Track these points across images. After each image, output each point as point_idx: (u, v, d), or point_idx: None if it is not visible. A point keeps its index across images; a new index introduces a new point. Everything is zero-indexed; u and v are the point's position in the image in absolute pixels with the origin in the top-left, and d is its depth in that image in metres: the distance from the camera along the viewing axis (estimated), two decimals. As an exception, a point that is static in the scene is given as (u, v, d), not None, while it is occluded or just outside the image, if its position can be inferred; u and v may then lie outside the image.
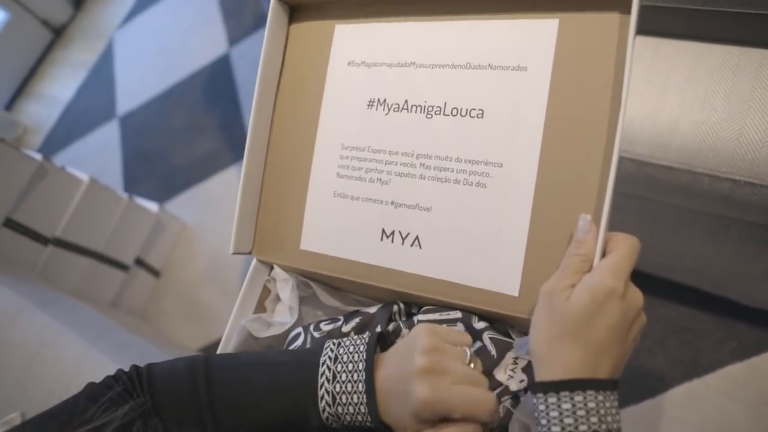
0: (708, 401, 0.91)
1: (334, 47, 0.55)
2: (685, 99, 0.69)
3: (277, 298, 0.57)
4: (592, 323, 0.36)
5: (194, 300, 1.47)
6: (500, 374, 0.44)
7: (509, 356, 0.45)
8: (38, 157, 1.18)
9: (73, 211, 1.26)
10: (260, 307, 0.57)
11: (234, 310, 0.55)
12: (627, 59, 0.41)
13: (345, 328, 0.50)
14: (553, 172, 0.45)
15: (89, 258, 1.32)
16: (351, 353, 0.42)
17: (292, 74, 0.57)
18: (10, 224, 1.15)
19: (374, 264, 0.51)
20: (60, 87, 2.16)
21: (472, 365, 0.42)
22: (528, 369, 0.44)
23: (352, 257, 0.52)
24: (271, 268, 0.58)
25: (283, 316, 0.55)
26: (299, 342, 0.52)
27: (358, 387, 0.40)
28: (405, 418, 0.39)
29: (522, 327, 0.47)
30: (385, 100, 0.52)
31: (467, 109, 0.49)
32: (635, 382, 0.96)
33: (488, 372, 0.45)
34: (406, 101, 0.51)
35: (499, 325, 0.48)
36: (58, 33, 2.31)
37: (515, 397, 0.43)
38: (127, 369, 0.44)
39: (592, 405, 0.35)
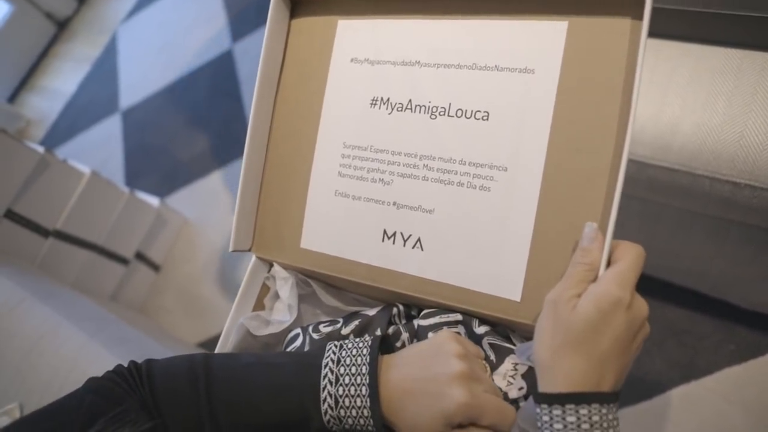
0: (705, 404, 0.92)
1: (336, 43, 0.54)
2: (686, 101, 0.69)
3: (276, 296, 0.57)
4: (597, 334, 0.36)
5: (194, 295, 1.47)
6: (499, 381, 0.44)
7: (508, 362, 0.45)
8: (40, 149, 1.19)
9: (74, 204, 1.26)
10: (259, 305, 0.57)
11: (233, 308, 0.54)
12: (638, 65, 0.40)
13: (344, 331, 0.50)
14: (558, 177, 0.44)
15: (89, 251, 1.32)
16: (354, 356, 0.41)
17: (293, 70, 0.57)
18: (12, 216, 1.15)
19: (375, 265, 0.51)
20: (63, 80, 2.16)
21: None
22: (527, 376, 0.44)
23: (353, 257, 0.52)
24: (271, 265, 0.57)
25: (281, 314, 0.55)
26: (298, 343, 0.52)
27: (361, 390, 0.40)
28: (428, 419, 0.39)
29: (523, 332, 0.47)
30: (388, 99, 0.51)
31: (472, 111, 0.48)
32: (632, 383, 0.96)
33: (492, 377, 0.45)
34: (410, 101, 0.51)
35: (499, 329, 0.48)
36: (61, 26, 2.31)
37: (514, 402, 0.43)
38: (126, 363, 0.44)
39: (596, 418, 0.35)
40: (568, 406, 0.35)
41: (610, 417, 0.35)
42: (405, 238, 0.50)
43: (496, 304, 0.45)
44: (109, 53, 2.12)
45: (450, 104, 0.49)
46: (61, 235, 1.26)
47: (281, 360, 0.44)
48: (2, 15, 2.13)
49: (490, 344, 0.46)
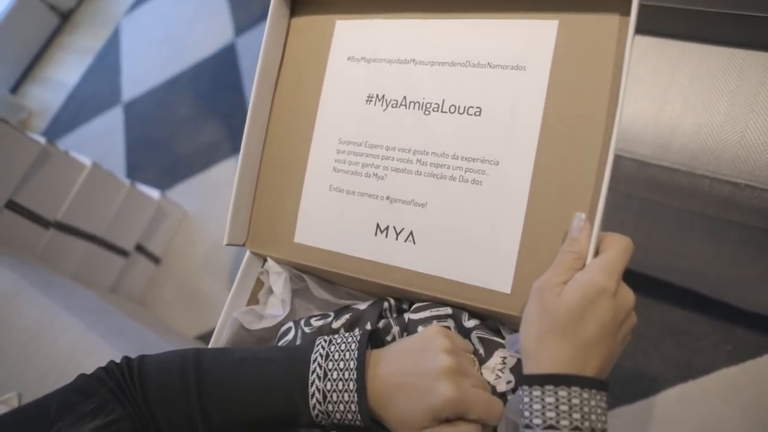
0: (702, 404, 0.92)
1: (334, 42, 0.56)
2: (688, 100, 0.69)
3: (270, 291, 0.57)
4: (582, 320, 0.36)
5: (193, 288, 1.48)
6: (488, 374, 0.45)
7: (497, 356, 0.45)
8: (42, 140, 1.19)
9: (75, 195, 1.27)
10: (253, 299, 0.57)
11: (227, 302, 0.55)
12: (625, 61, 0.41)
13: (335, 324, 0.50)
14: (548, 171, 0.45)
15: (90, 242, 1.33)
16: (342, 351, 0.42)
17: (291, 68, 0.58)
18: (13, 206, 1.15)
19: (368, 259, 0.51)
20: (65, 72, 2.16)
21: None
22: (515, 369, 0.44)
23: (346, 251, 0.53)
24: (265, 260, 0.58)
25: (275, 308, 0.56)
26: (290, 337, 0.52)
27: (349, 386, 0.40)
28: (415, 413, 0.40)
29: (513, 324, 0.47)
30: (383, 96, 0.52)
31: (465, 107, 0.49)
32: (629, 382, 0.96)
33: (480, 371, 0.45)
34: (405, 97, 0.51)
35: (489, 322, 0.48)
36: (64, 18, 2.31)
37: (502, 396, 0.44)
38: (125, 353, 0.44)
39: (576, 401, 0.35)
40: (547, 387, 0.35)
41: (593, 403, 0.35)
42: (398, 232, 0.50)
43: (487, 296, 0.46)
44: (112, 45, 2.11)
45: (443, 100, 0.50)
46: (62, 227, 1.26)
47: (271, 355, 0.44)
48: (5, 6, 2.13)
49: (479, 338, 0.46)
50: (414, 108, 0.51)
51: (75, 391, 0.41)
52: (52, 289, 1.00)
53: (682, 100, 0.69)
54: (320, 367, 0.41)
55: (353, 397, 0.40)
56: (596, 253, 0.40)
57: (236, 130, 1.64)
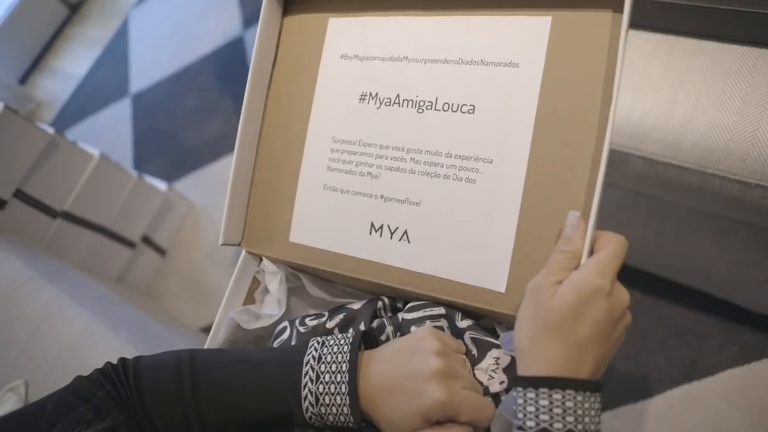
0: (706, 404, 0.91)
1: (327, 40, 0.56)
2: (699, 98, 0.68)
3: (266, 290, 0.58)
4: (576, 320, 0.36)
5: (198, 280, 1.48)
6: (481, 375, 0.45)
7: (490, 356, 0.45)
8: (50, 130, 1.19)
9: (82, 186, 1.27)
10: (249, 299, 0.58)
11: (223, 301, 0.55)
12: (619, 58, 0.41)
13: (329, 324, 0.50)
14: (542, 168, 0.45)
15: (97, 233, 1.33)
16: (335, 353, 0.42)
17: (285, 67, 0.58)
18: (21, 196, 1.16)
19: (362, 257, 0.51)
20: (74, 63, 2.17)
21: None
22: (509, 369, 0.45)
23: (341, 250, 0.53)
24: (261, 260, 0.58)
25: (271, 308, 0.56)
26: (285, 336, 0.53)
27: (341, 389, 0.40)
28: (405, 416, 0.40)
29: (508, 323, 0.47)
30: (377, 94, 0.52)
31: (458, 105, 0.49)
32: (633, 381, 0.96)
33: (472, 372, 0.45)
34: (398, 95, 0.51)
35: (483, 322, 0.48)
36: (74, 9, 2.31)
37: (495, 397, 0.44)
38: (130, 344, 0.44)
39: (569, 404, 0.35)
40: (541, 390, 0.35)
41: (586, 405, 0.35)
42: (392, 231, 0.50)
43: (482, 295, 0.46)
44: (121, 37, 2.12)
45: (437, 98, 0.50)
46: (69, 217, 1.26)
47: (265, 356, 0.44)
48: (15, -4, 2.14)
49: (472, 338, 0.46)
50: (407, 106, 0.51)
51: (73, 393, 0.41)
52: (58, 278, 1.00)
53: (694, 98, 0.68)
54: (312, 369, 0.41)
55: (345, 400, 0.40)
56: (591, 252, 0.39)
57: (243, 123, 1.64)
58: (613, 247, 0.38)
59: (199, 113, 1.76)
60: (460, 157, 0.48)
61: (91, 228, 1.32)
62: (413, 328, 0.47)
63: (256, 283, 0.58)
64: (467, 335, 0.46)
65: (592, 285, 0.36)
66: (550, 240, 0.43)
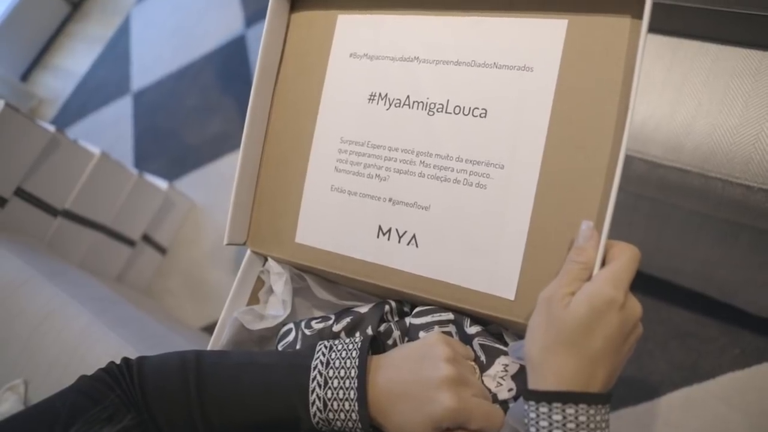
0: (707, 408, 0.91)
1: (336, 38, 0.54)
2: (702, 101, 0.68)
3: (271, 290, 0.57)
4: (589, 333, 0.36)
5: (199, 279, 1.48)
6: (489, 382, 0.44)
7: (499, 363, 0.45)
8: (51, 128, 1.19)
9: (83, 184, 1.27)
10: (254, 299, 0.57)
11: (227, 301, 0.54)
12: (637, 65, 0.40)
13: (336, 328, 0.50)
14: (555, 175, 0.44)
15: (97, 231, 1.33)
16: (343, 359, 0.42)
17: (292, 64, 0.56)
18: (21, 194, 1.15)
19: (369, 261, 0.51)
20: (75, 60, 2.17)
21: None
22: (517, 377, 0.44)
23: (348, 253, 0.52)
24: (266, 259, 0.57)
25: (276, 309, 0.55)
26: (290, 338, 0.52)
27: (350, 395, 0.40)
28: (415, 423, 0.39)
29: (516, 330, 0.47)
30: (386, 95, 0.51)
31: (470, 108, 0.48)
32: (633, 383, 0.96)
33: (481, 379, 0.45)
34: (408, 97, 0.50)
35: (492, 327, 0.48)
36: (75, 6, 2.31)
37: (504, 404, 0.43)
38: (130, 343, 0.44)
39: (582, 419, 0.35)
40: (554, 405, 0.35)
41: (598, 418, 0.35)
42: (400, 235, 0.50)
43: (490, 302, 0.45)
44: (122, 34, 2.11)
45: (448, 101, 0.49)
46: (70, 215, 1.26)
47: (272, 360, 0.44)
48: (17, -7, 2.13)
49: (480, 345, 0.46)
50: (417, 108, 0.50)
51: (82, 393, 0.41)
52: (59, 277, 1.00)
53: (696, 100, 0.68)
54: (321, 374, 0.41)
55: (354, 406, 0.40)
56: (603, 262, 0.39)
57: (245, 122, 1.63)
58: (626, 258, 0.38)
59: (200, 112, 1.76)
60: (470, 161, 0.47)
61: (92, 226, 1.32)
62: (421, 333, 0.47)
63: (260, 282, 0.58)
64: (476, 341, 0.46)
65: (605, 297, 0.36)
66: (561, 248, 0.43)
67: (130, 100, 1.93)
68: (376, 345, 0.46)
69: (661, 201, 0.77)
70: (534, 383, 0.37)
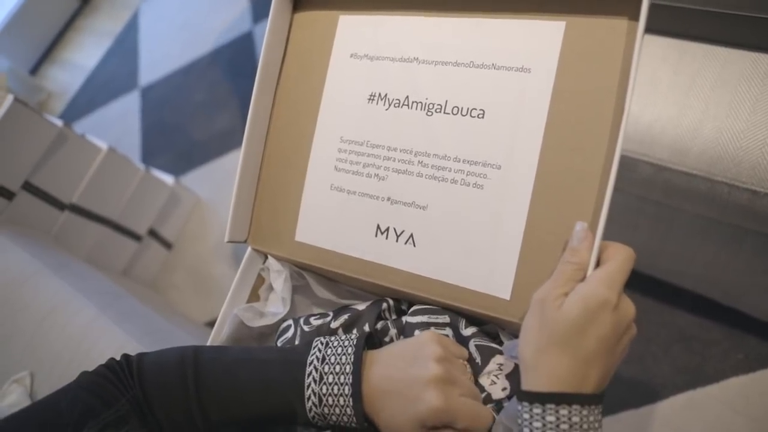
0: (709, 412, 0.91)
1: (337, 38, 0.55)
2: (709, 105, 0.67)
3: (271, 288, 0.58)
4: (583, 333, 0.36)
5: (204, 274, 1.49)
6: (484, 380, 0.45)
7: (493, 362, 0.45)
8: (59, 123, 1.20)
9: (90, 179, 1.28)
10: (254, 296, 0.58)
11: (227, 298, 0.55)
12: (633, 67, 0.40)
13: (334, 324, 0.50)
14: (551, 176, 0.44)
15: (104, 226, 1.34)
16: (339, 354, 0.42)
17: (294, 64, 0.57)
18: (29, 188, 1.16)
19: (368, 259, 0.51)
20: (84, 55, 2.18)
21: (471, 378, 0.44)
22: (512, 376, 0.44)
23: (346, 251, 0.52)
24: (266, 257, 0.58)
25: (275, 306, 0.56)
26: (289, 335, 0.53)
27: (344, 390, 0.41)
28: (403, 420, 0.40)
29: (512, 330, 0.47)
30: (386, 95, 0.52)
31: (468, 109, 0.48)
32: (636, 386, 0.96)
33: (473, 379, 0.45)
34: (407, 97, 0.51)
35: (488, 327, 0.48)
36: (85, 1, 2.32)
37: (498, 403, 0.44)
38: (135, 338, 0.45)
39: (576, 419, 0.35)
40: (548, 406, 0.35)
41: (591, 419, 0.35)
42: (398, 234, 0.50)
43: (486, 301, 0.46)
44: (131, 29, 2.12)
45: (446, 101, 0.49)
46: (77, 209, 1.27)
47: (269, 356, 0.44)
48: (27, -13, 2.14)
49: (476, 346, 0.46)
50: (416, 108, 0.50)
51: (92, 393, 0.41)
52: (65, 270, 1.01)
53: (704, 104, 0.68)
54: (316, 370, 0.42)
55: (348, 401, 0.40)
56: (598, 263, 0.39)
57: (251, 118, 1.64)
58: (620, 259, 0.38)
59: (207, 107, 1.76)
60: (468, 161, 0.48)
61: (98, 221, 1.33)
62: (417, 332, 0.47)
63: (260, 280, 0.58)
64: (472, 343, 0.46)
65: (599, 298, 0.36)
66: (557, 248, 0.43)
67: (138, 94, 1.94)
68: (372, 342, 0.46)
69: (666, 204, 0.76)
70: (527, 384, 0.37)
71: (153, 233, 1.49)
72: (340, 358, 0.42)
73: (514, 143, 0.46)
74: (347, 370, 0.41)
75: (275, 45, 0.56)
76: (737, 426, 0.88)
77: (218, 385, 0.43)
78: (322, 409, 0.41)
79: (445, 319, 0.48)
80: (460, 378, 0.42)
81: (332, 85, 0.55)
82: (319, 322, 0.52)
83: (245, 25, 1.83)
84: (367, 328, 0.49)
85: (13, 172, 1.13)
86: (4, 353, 0.93)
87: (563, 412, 0.35)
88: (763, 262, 0.77)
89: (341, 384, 0.41)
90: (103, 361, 0.45)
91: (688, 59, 0.70)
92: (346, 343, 0.43)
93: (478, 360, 0.45)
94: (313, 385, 0.41)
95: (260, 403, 0.42)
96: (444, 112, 0.49)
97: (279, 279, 0.56)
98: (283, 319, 0.55)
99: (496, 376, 0.45)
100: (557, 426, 0.35)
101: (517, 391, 0.38)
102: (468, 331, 0.47)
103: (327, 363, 0.42)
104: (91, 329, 0.92)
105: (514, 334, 0.47)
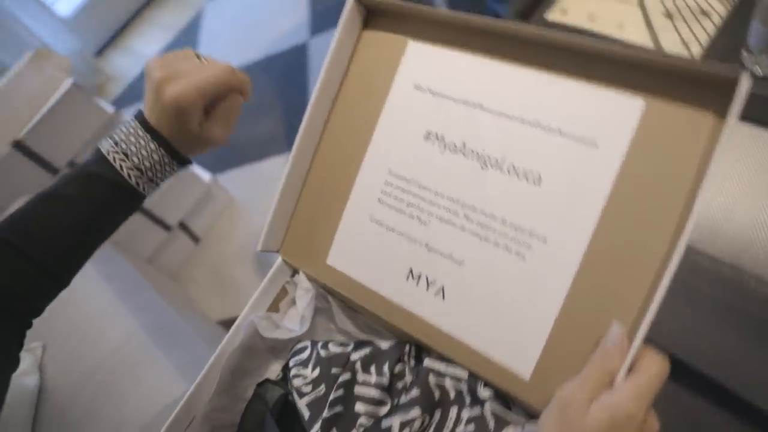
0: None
1: (402, 65, 0.53)
2: (746, 189, 0.65)
3: (293, 302, 0.57)
4: None
5: (225, 274, 1.51)
6: None
7: None
8: (110, 109, 1.25)
9: (131, 166, 1.32)
10: (274, 307, 0.57)
11: (249, 303, 0.55)
12: (710, 169, 0.36)
13: (353, 356, 0.49)
14: (599, 263, 0.41)
15: (137, 212, 1.38)
16: (128, 135, 0.48)
17: (354, 83, 0.55)
18: (72, 167, 1.21)
19: (394, 301, 0.50)
20: (147, 44, 2.27)
21: None
22: None
23: (374, 287, 0.51)
24: (294, 271, 0.58)
25: (293, 322, 0.55)
26: (304, 356, 0.52)
27: (138, 133, 0.48)
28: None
29: (525, 408, 0.46)
30: (443, 137, 0.50)
31: (524, 171, 0.45)
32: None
33: None
34: (464, 144, 0.48)
35: (504, 393, 0.47)
36: (156, -7, 2.42)
37: None
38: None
39: None
40: None
41: None
42: (429, 283, 0.49)
43: (504, 374, 0.44)
44: (194, 26, 2.20)
45: (504, 157, 0.46)
46: (114, 193, 1.31)
47: (67, 182, 0.48)
48: (106, -27, 2.25)
49: (492, 412, 0.44)
50: (472, 158, 0.48)
51: None
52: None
53: (741, 187, 0.66)
54: (113, 147, 0.48)
55: (145, 135, 0.48)
56: (629, 368, 0.37)
57: (294, 127, 1.67)
58: (654, 372, 0.36)
59: (252, 111, 1.80)
60: (514, 227, 0.45)
61: (133, 207, 1.37)
62: (431, 378, 0.46)
63: (283, 292, 0.58)
64: (487, 406, 0.44)
65: (626, 412, 0.34)
66: (589, 340, 0.40)
67: (191, 89, 2.00)
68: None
69: (692, 284, 0.74)
70: None
71: (183, 226, 1.53)
72: (138, 141, 0.48)
73: (566, 219, 0.42)
74: (140, 133, 0.48)
75: (339, 61, 0.55)
76: None
77: (42, 234, 0.46)
78: (132, 161, 0.47)
79: (464, 374, 0.47)
80: None
81: (390, 113, 0.53)
82: (338, 350, 0.50)
83: (302, 36, 1.87)
84: (386, 367, 0.48)
85: (62, 151, 1.18)
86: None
87: None
88: (784, 359, 0.74)
89: (138, 137, 0.48)
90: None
91: (732, 141, 0.68)
92: (140, 133, 0.48)
93: (491, 426, 0.44)
94: (115, 155, 0.47)
95: (83, 211, 0.47)
96: (499, 169, 0.46)
97: (305, 297, 0.55)
98: (300, 339, 0.54)
99: None
100: None
101: None
102: (485, 393, 0.45)
103: (123, 142, 0.48)
104: (106, 313, 0.94)
105: (527, 411, 0.46)
